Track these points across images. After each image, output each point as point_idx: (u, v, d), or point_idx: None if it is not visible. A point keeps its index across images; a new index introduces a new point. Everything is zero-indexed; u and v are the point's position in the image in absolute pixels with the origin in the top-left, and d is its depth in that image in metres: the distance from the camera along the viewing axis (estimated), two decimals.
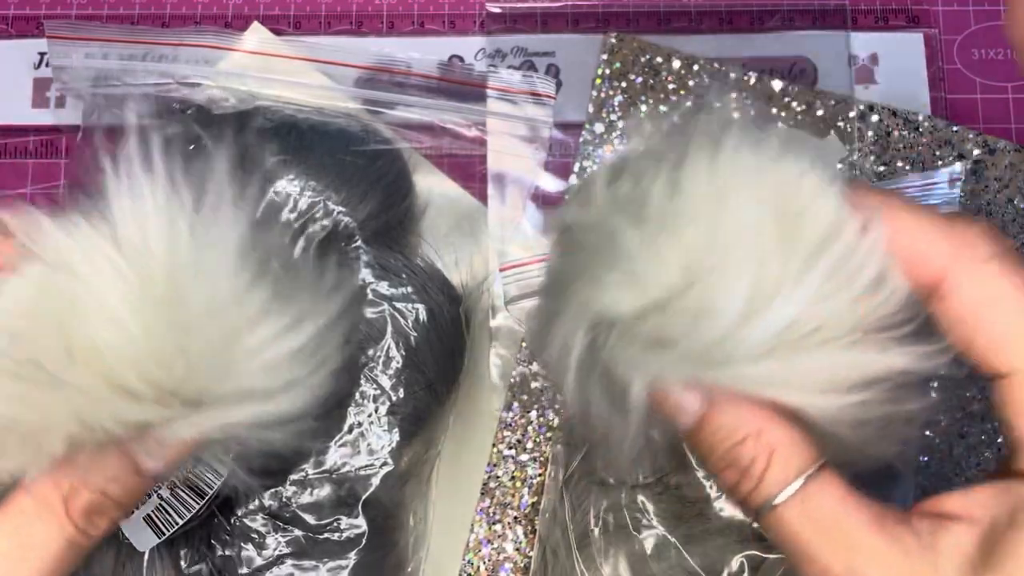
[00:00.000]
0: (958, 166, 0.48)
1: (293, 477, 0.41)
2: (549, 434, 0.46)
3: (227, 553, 0.40)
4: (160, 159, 0.28)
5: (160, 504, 0.38)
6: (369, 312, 0.42)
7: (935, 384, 0.46)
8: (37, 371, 0.26)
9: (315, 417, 0.29)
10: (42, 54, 0.51)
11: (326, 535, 0.41)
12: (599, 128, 0.49)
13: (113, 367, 0.26)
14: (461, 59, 0.51)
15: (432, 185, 0.49)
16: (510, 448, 0.45)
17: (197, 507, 0.38)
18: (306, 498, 0.41)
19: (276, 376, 0.28)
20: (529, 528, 0.45)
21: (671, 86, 0.50)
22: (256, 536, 0.40)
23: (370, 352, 0.42)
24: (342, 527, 0.41)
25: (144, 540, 0.39)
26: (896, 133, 0.49)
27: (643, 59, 0.50)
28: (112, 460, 0.27)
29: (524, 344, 0.46)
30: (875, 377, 0.26)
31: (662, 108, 0.49)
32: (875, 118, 0.49)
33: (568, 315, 0.28)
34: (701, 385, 0.26)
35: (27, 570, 0.26)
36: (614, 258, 0.27)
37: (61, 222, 0.28)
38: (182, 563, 0.40)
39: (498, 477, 0.45)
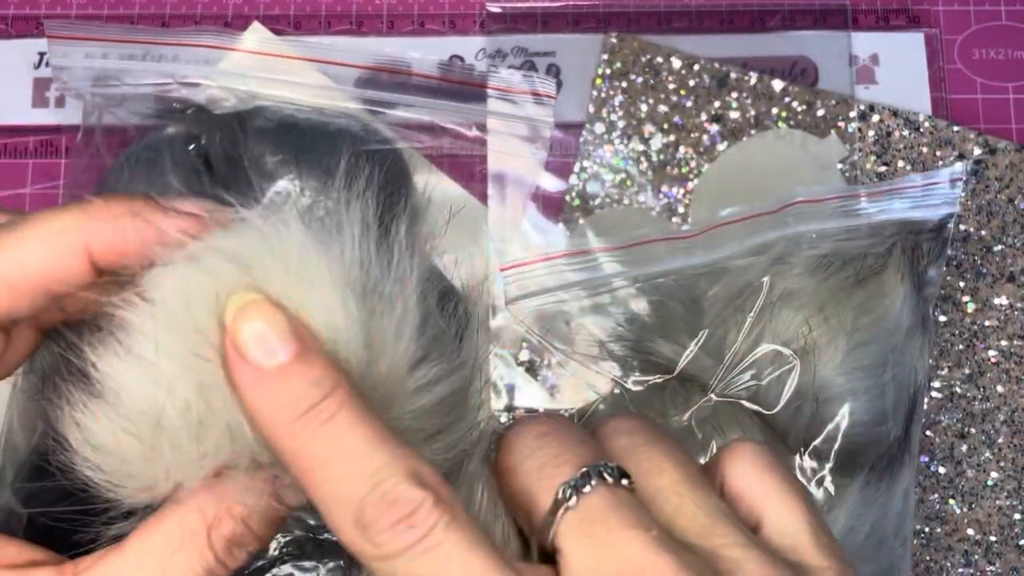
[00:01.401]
0: (959, 166, 0.48)
1: None
2: None
3: None
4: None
5: None
6: None
7: (937, 385, 0.47)
8: (214, 366, 0.24)
9: None
10: (42, 54, 0.51)
11: (326, 535, 0.41)
12: (599, 128, 0.49)
13: None
14: (461, 59, 0.51)
15: (432, 185, 0.49)
16: None
17: None
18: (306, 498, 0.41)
19: (426, 422, 0.27)
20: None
21: (671, 86, 0.49)
22: None
23: None
24: None
25: None
26: (897, 133, 0.49)
27: (643, 59, 0.50)
28: (259, 492, 0.25)
29: (524, 344, 0.46)
30: None
31: (662, 108, 0.49)
32: (876, 118, 0.49)
33: None
34: None
35: None
36: None
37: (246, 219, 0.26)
38: None
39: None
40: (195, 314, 0.24)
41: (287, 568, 0.40)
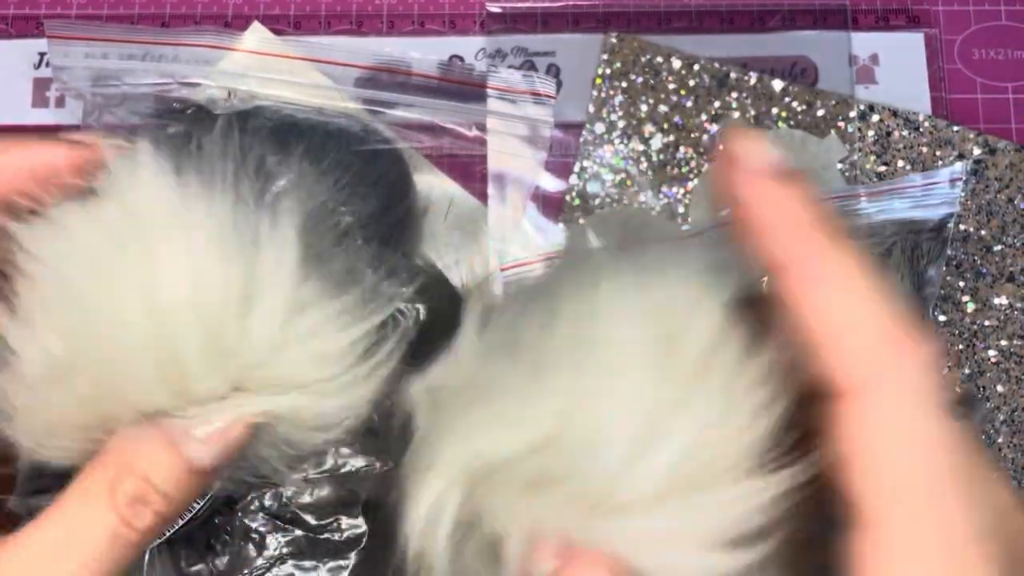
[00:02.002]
0: (959, 166, 0.48)
1: (294, 476, 0.41)
2: None
3: (227, 554, 0.40)
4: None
5: None
6: None
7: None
8: (87, 325, 0.24)
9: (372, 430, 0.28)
10: (42, 54, 0.51)
11: (326, 535, 0.41)
12: (600, 128, 0.49)
13: (179, 328, 0.25)
14: (461, 59, 0.51)
15: (432, 185, 0.49)
16: None
17: (197, 507, 0.38)
18: (306, 498, 0.41)
19: (326, 370, 0.27)
20: None
21: (671, 86, 0.49)
22: (256, 536, 0.40)
23: None
24: (343, 527, 0.41)
25: None
26: (897, 133, 0.49)
27: (643, 59, 0.50)
28: (156, 445, 0.26)
29: None
30: (768, 511, 0.23)
31: (662, 108, 0.49)
32: (876, 118, 0.49)
33: (437, 472, 0.25)
34: (567, 541, 0.23)
35: (74, 559, 0.25)
36: (489, 403, 0.25)
37: (125, 160, 0.26)
38: (182, 563, 0.40)
39: None
40: (67, 272, 0.25)
41: (288, 567, 0.40)
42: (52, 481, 0.26)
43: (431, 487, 0.25)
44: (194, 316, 0.25)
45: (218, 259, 0.26)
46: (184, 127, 0.45)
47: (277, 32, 0.50)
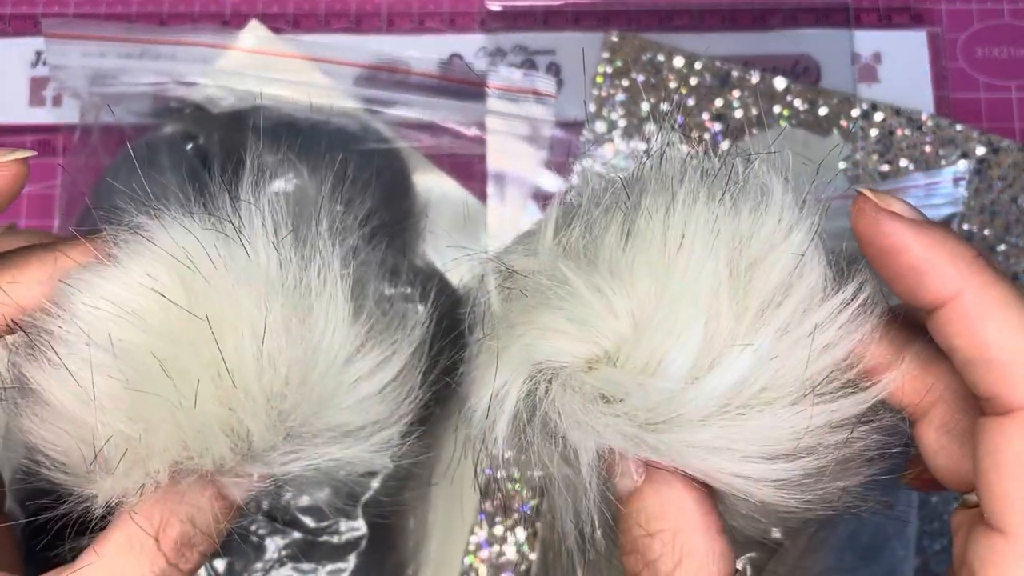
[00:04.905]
0: (962, 165, 0.47)
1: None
2: None
3: (226, 556, 0.40)
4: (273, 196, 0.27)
5: None
6: None
7: None
8: (153, 386, 0.24)
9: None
10: (39, 52, 0.51)
11: (325, 538, 0.40)
12: (600, 127, 0.49)
13: (238, 392, 0.24)
14: (461, 57, 0.51)
15: (432, 184, 0.48)
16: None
17: None
18: (305, 500, 0.40)
19: (369, 413, 0.27)
20: (531, 530, 0.44)
21: (673, 84, 0.49)
22: (255, 539, 0.40)
23: None
24: (341, 530, 0.41)
25: None
26: (899, 132, 0.49)
27: (644, 57, 0.49)
28: (202, 490, 0.26)
29: None
30: (816, 437, 0.24)
31: (664, 106, 0.49)
32: (878, 116, 0.49)
33: (506, 360, 0.26)
34: (645, 453, 0.25)
35: None
36: (562, 305, 0.25)
37: (176, 216, 0.26)
38: None
39: (499, 479, 0.45)
40: (135, 354, 0.24)
41: (287, 570, 0.40)
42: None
43: (496, 375, 0.26)
44: (257, 380, 0.25)
45: (276, 320, 0.25)
46: (182, 126, 0.45)
47: (276, 30, 0.50)
